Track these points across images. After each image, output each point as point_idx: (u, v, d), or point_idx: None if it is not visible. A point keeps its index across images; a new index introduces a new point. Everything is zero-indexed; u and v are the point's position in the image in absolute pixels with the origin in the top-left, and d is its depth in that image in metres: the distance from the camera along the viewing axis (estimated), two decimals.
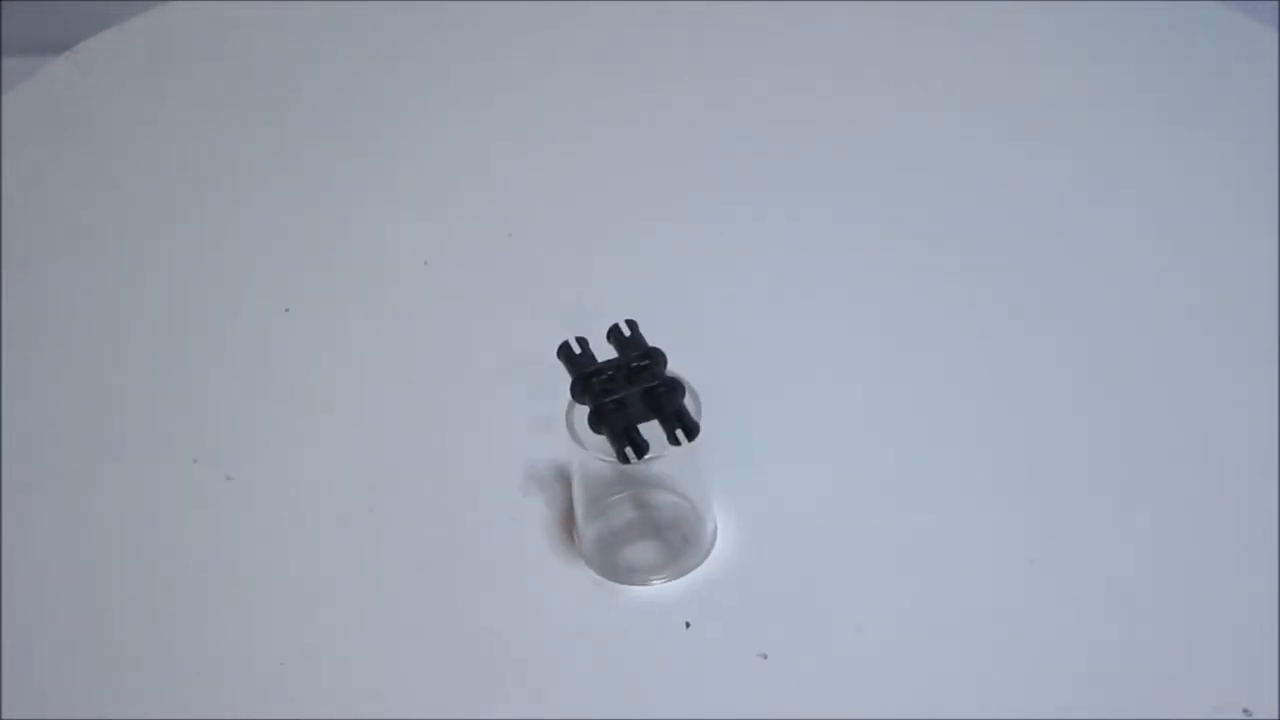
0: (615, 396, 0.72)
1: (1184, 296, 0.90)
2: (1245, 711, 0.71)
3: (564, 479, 0.79)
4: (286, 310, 0.91)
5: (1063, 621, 0.75)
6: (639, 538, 0.78)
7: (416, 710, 0.72)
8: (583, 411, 0.73)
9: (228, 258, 0.95)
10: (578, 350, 0.74)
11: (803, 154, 1.01)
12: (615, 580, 0.77)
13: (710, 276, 0.92)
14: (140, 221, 0.98)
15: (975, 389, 0.85)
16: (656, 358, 0.73)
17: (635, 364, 0.73)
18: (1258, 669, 0.72)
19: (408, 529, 0.80)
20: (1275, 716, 0.71)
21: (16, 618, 0.77)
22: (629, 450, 0.71)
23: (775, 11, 1.11)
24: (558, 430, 0.74)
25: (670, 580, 0.77)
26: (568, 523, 0.78)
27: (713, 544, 0.78)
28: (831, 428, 0.83)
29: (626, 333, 0.75)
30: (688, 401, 0.73)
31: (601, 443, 0.72)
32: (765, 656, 0.74)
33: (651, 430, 0.72)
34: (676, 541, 0.78)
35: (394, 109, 1.06)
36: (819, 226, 0.95)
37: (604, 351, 0.74)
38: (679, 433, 0.72)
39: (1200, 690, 0.72)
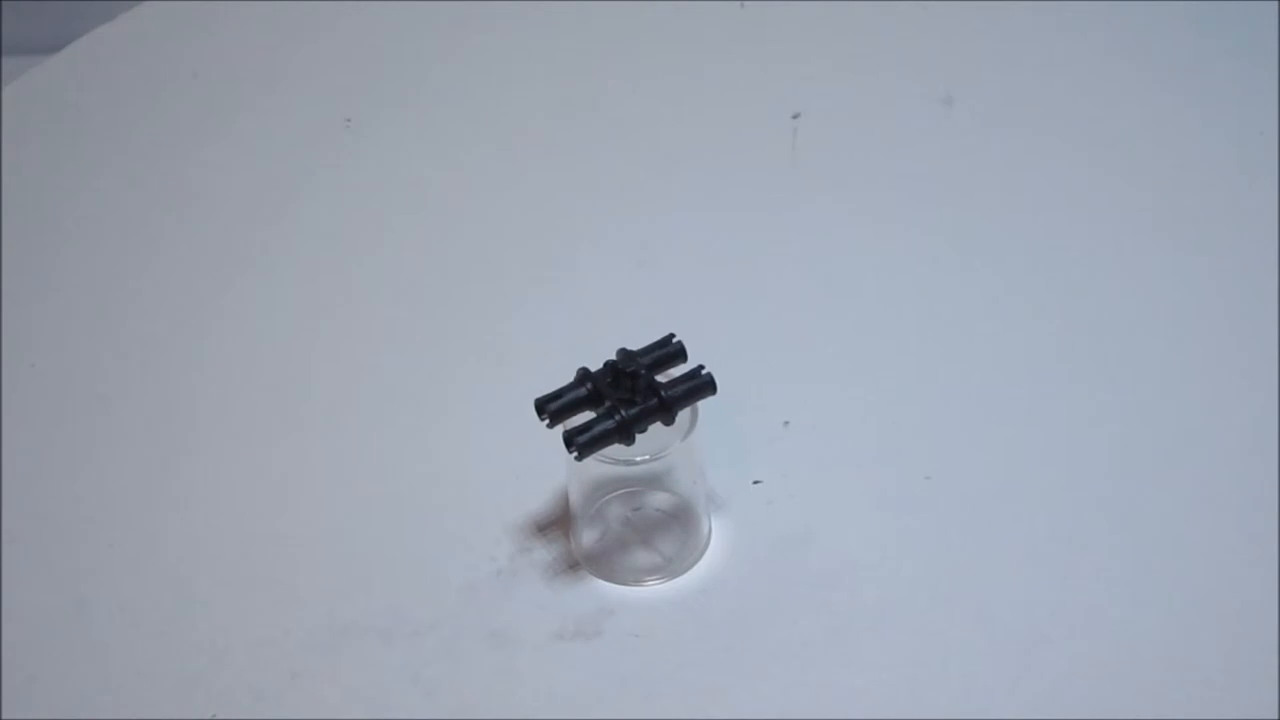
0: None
1: (1188, 295, 0.90)
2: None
3: (560, 479, 0.79)
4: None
5: (1063, 624, 0.75)
6: (635, 539, 0.78)
7: (414, 711, 0.73)
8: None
9: (223, 257, 0.95)
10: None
11: (804, 153, 1.00)
12: (611, 581, 0.77)
13: (708, 277, 0.92)
14: (135, 221, 0.98)
15: (976, 391, 0.85)
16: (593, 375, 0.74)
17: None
18: (1258, 669, 0.72)
19: (404, 531, 0.80)
20: (1275, 717, 0.71)
21: (16, 618, 0.77)
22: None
23: (790, 11, 1.11)
24: (553, 431, 0.74)
25: (666, 581, 0.77)
26: (564, 524, 0.78)
27: (708, 544, 0.78)
28: (828, 428, 0.83)
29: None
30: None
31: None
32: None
33: (650, 433, 0.73)
34: (672, 542, 0.78)
35: (391, 107, 1.06)
36: (819, 227, 0.95)
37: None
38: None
39: (1199, 690, 0.72)
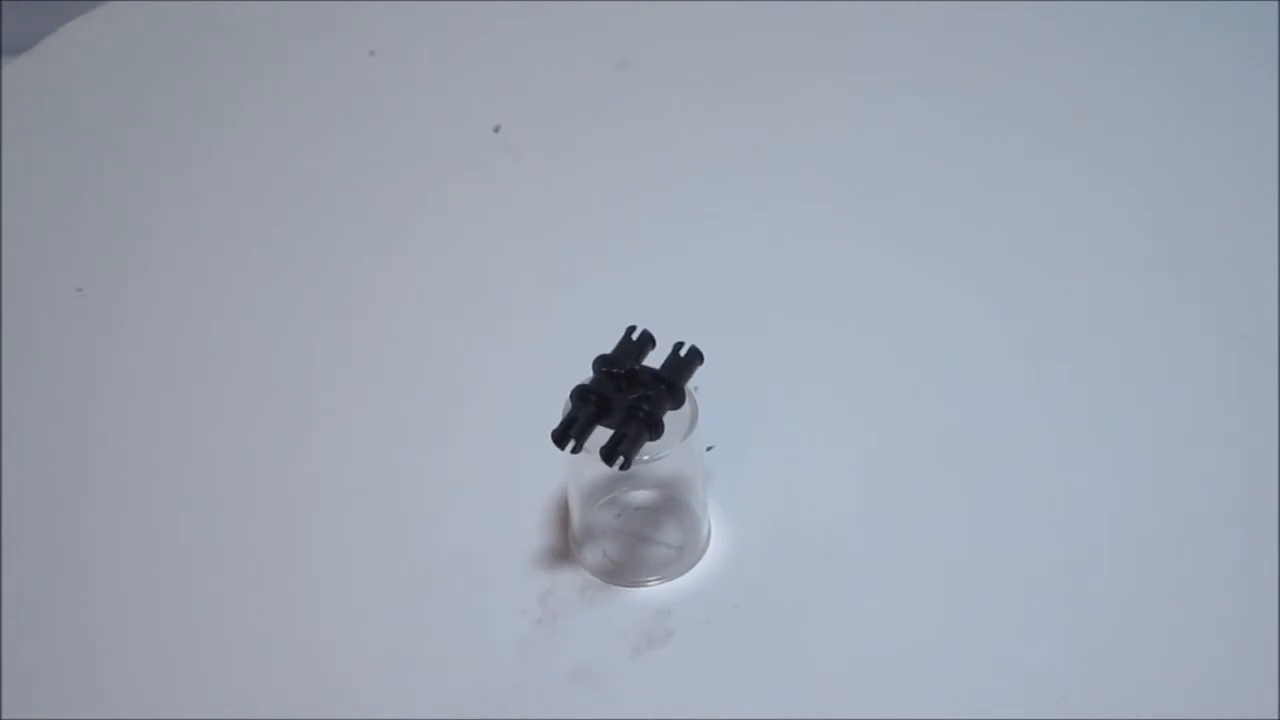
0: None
1: (1187, 295, 0.90)
2: None
3: (560, 480, 0.79)
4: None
5: (1060, 624, 0.75)
6: (634, 539, 0.78)
7: (413, 711, 0.73)
8: None
9: (218, 260, 0.95)
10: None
11: (807, 156, 1.00)
12: (610, 582, 0.77)
13: (709, 280, 0.92)
14: (128, 222, 0.98)
15: (974, 392, 0.85)
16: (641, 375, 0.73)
17: (621, 372, 0.73)
18: (1258, 669, 0.72)
19: (403, 531, 0.80)
20: (1275, 717, 0.71)
21: (16, 618, 0.77)
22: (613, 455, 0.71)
23: (782, 10, 1.11)
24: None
25: (665, 582, 0.77)
26: (563, 524, 0.78)
27: (708, 546, 0.78)
28: (828, 430, 0.83)
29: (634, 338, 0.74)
30: (686, 405, 0.73)
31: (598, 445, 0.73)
32: None
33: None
34: (672, 543, 0.78)
35: (388, 104, 1.06)
36: (820, 231, 0.95)
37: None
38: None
39: (1199, 690, 0.72)
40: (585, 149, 1.02)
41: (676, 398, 0.73)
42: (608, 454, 0.71)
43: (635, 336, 0.74)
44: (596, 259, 0.94)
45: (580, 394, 0.73)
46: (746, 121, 1.03)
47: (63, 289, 0.94)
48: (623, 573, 0.77)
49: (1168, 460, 0.81)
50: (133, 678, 0.75)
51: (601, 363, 0.73)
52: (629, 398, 0.72)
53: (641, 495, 0.79)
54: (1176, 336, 0.87)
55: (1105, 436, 0.82)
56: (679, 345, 0.74)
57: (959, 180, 0.98)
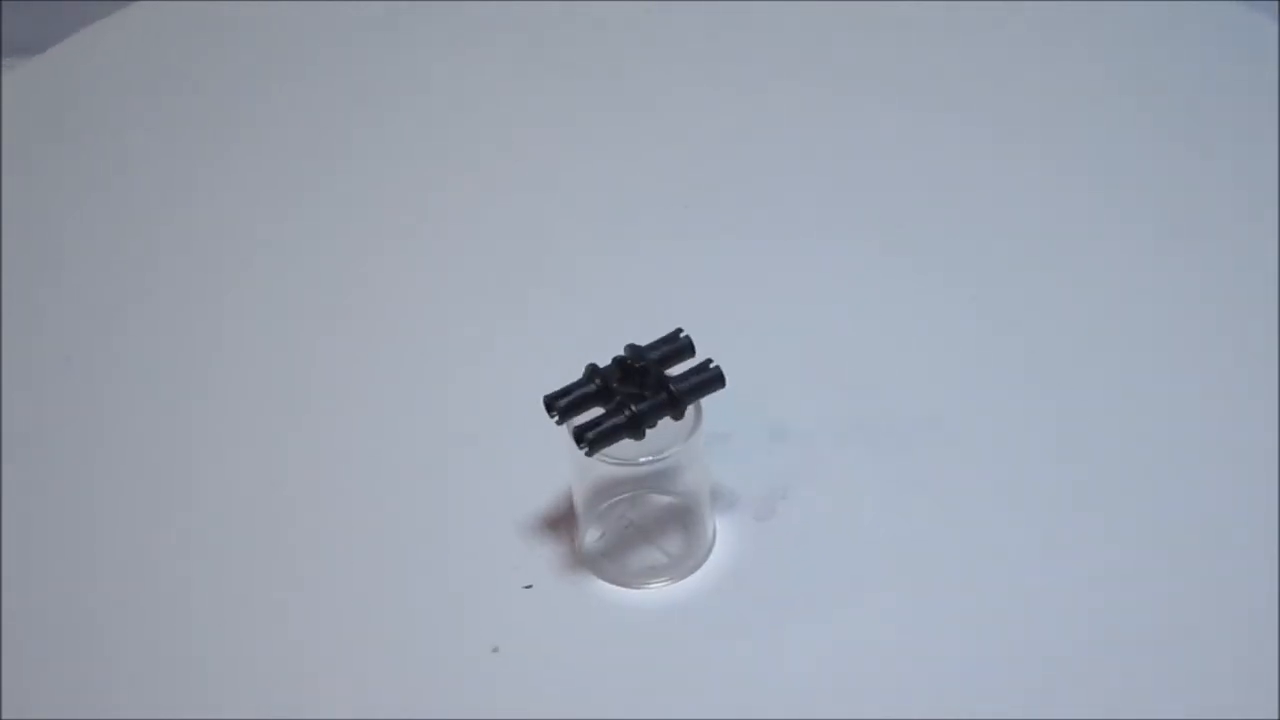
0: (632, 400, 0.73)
1: (1187, 298, 0.90)
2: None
3: (564, 482, 0.79)
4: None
5: (1063, 628, 0.75)
6: (639, 541, 0.78)
7: (416, 712, 0.73)
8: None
9: (221, 258, 0.95)
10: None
11: (810, 160, 1.00)
12: (615, 583, 0.77)
13: (711, 281, 0.92)
14: (126, 223, 0.98)
15: (977, 394, 0.85)
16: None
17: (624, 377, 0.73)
18: (1257, 669, 0.72)
19: (406, 533, 0.79)
20: (1275, 717, 0.71)
21: (16, 618, 0.77)
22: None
23: (786, 13, 1.11)
24: (557, 433, 0.74)
25: (670, 584, 0.77)
26: (568, 526, 0.78)
27: (712, 547, 0.78)
28: (832, 432, 0.83)
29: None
30: (690, 408, 0.73)
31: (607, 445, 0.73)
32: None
33: (653, 434, 0.73)
34: (676, 545, 0.78)
35: (394, 110, 1.06)
36: (821, 231, 0.95)
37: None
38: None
39: (1200, 690, 0.72)
40: (587, 149, 1.02)
41: (676, 410, 0.72)
42: (578, 435, 0.71)
43: (679, 338, 0.74)
44: (598, 259, 0.94)
45: (588, 372, 0.73)
46: (754, 123, 1.03)
47: (65, 291, 0.93)
48: (627, 575, 0.77)
49: (1167, 462, 0.81)
50: (132, 678, 0.75)
51: (627, 351, 0.73)
52: (628, 390, 0.72)
53: (646, 498, 0.79)
54: (1177, 339, 0.87)
55: (1110, 440, 0.82)
56: (708, 361, 0.73)
57: (961, 186, 0.98)
